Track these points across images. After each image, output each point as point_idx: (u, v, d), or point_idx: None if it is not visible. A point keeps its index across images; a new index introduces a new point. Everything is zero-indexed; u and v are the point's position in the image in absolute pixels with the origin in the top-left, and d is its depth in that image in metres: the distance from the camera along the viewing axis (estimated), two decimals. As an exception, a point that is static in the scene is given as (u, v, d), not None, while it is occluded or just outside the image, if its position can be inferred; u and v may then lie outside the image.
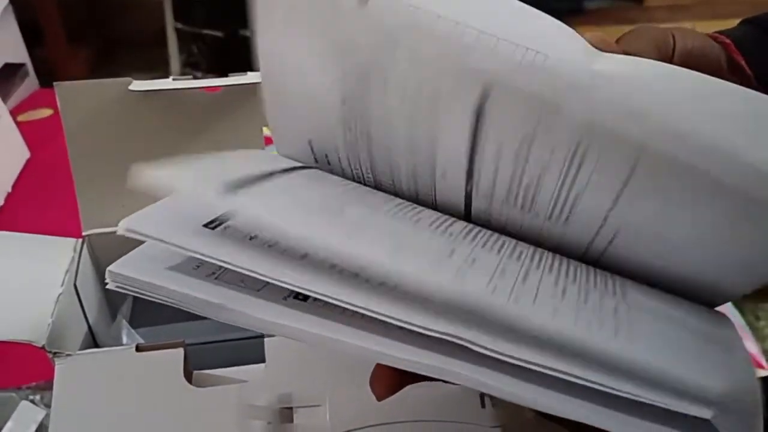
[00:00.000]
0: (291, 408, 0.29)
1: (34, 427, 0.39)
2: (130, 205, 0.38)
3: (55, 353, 0.29)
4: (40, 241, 0.36)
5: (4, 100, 0.66)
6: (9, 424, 0.39)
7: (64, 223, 0.39)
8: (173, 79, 0.36)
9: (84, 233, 0.38)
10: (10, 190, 0.62)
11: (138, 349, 0.29)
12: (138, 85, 0.35)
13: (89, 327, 0.37)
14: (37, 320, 0.30)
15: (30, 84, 0.81)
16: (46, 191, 0.62)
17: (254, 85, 0.36)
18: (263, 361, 0.30)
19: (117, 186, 0.38)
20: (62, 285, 0.33)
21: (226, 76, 0.37)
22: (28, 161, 0.65)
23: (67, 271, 0.34)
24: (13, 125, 0.65)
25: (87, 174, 0.37)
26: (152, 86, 0.35)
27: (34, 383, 0.42)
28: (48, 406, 0.40)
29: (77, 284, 0.35)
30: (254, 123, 0.37)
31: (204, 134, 0.37)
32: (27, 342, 0.29)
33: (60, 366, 0.29)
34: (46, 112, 0.75)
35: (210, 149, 0.38)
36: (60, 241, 0.37)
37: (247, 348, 0.35)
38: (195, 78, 0.37)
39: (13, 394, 0.42)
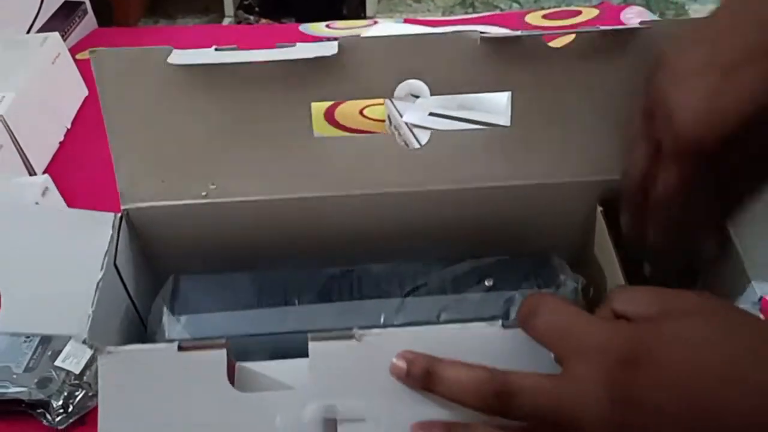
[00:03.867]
0: (335, 420, 0.27)
1: (90, 351, 0.38)
2: (169, 179, 0.37)
3: (96, 348, 0.28)
4: (77, 216, 0.35)
5: (64, 38, 0.67)
6: (67, 348, 0.40)
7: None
8: (215, 50, 0.33)
9: (123, 207, 0.36)
10: (69, 126, 0.64)
11: (180, 348, 0.28)
12: (177, 57, 0.32)
13: (134, 305, 0.36)
14: (78, 310, 0.29)
15: (88, 22, 0.81)
16: (103, 128, 0.62)
17: (302, 61, 0.32)
18: (306, 354, 0.29)
19: (156, 160, 0.36)
20: (102, 269, 0.32)
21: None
22: (86, 99, 0.66)
23: (106, 253, 0.33)
24: (72, 63, 0.66)
25: (125, 147, 0.35)
26: (192, 59, 0.32)
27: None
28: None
29: (117, 264, 0.34)
30: (302, 99, 0.35)
31: (248, 108, 0.35)
32: (68, 336, 0.28)
33: (102, 362, 0.28)
34: (104, 51, 0.76)
35: (253, 125, 0.35)
36: (98, 216, 0.36)
37: (289, 342, 0.34)
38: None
39: None
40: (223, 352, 0.28)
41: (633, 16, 0.75)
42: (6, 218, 0.33)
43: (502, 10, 2.00)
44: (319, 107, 0.35)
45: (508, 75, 0.35)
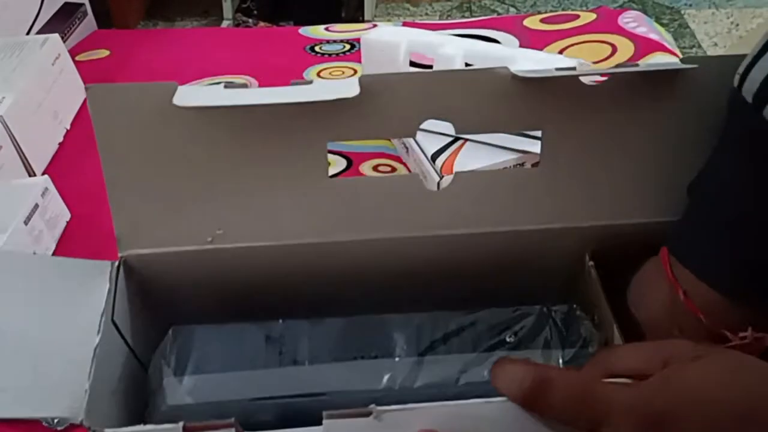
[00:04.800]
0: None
1: None
2: (172, 223, 0.34)
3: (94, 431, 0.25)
4: (72, 267, 0.32)
5: (64, 40, 0.67)
6: None
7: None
8: (225, 86, 0.30)
9: (120, 254, 0.34)
10: (68, 127, 0.64)
11: (186, 429, 0.25)
12: (183, 96, 0.29)
13: (135, 356, 0.33)
14: (74, 387, 0.26)
15: (88, 24, 0.80)
16: None
17: (319, 103, 0.30)
18: (319, 423, 0.27)
19: (158, 203, 0.33)
20: (99, 331, 0.29)
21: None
22: (86, 100, 0.64)
23: (103, 312, 0.30)
24: (72, 64, 0.66)
25: (123, 189, 0.32)
26: (201, 100, 0.29)
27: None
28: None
29: (115, 319, 0.31)
30: (318, 139, 0.32)
31: (260, 150, 0.32)
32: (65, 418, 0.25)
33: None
34: (103, 53, 0.75)
35: (265, 166, 0.33)
36: (94, 265, 0.33)
37: (299, 404, 0.31)
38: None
39: None
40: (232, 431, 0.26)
41: (631, 21, 0.74)
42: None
43: (499, 14, 1.98)
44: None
45: (538, 113, 0.33)
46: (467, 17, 1.99)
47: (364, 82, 0.30)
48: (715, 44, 1.77)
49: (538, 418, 0.26)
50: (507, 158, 0.48)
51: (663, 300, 0.31)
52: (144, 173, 0.32)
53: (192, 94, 0.30)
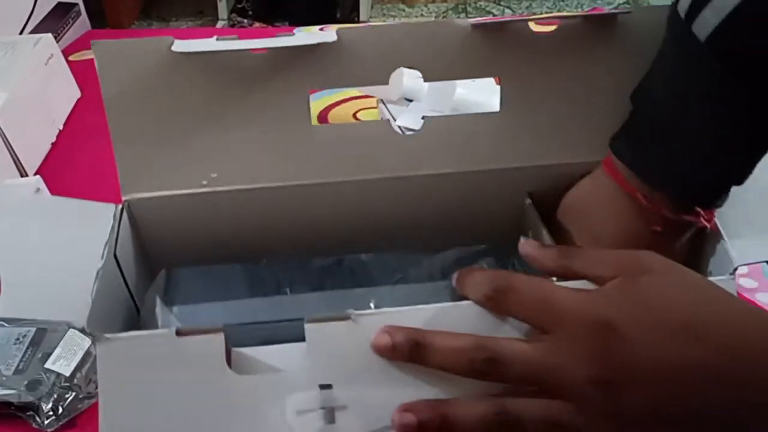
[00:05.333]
0: (333, 408, 0.28)
1: (80, 354, 0.40)
2: (170, 169, 0.37)
3: (94, 336, 0.28)
4: (78, 206, 0.35)
5: (57, 40, 0.67)
6: (57, 351, 0.40)
7: (113, 162, 0.38)
8: (217, 39, 0.33)
9: (124, 198, 0.37)
10: (61, 127, 0.64)
11: (178, 333, 0.28)
12: (180, 46, 0.33)
13: (131, 294, 0.36)
14: (78, 298, 0.29)
15: (81, 24, 0.81)
16: (95, 129, 0.61)
17: (301, 48, 0.33)
18: (299, 341, 0.29)
19: (158, 150, 0.37)
20: (102, 257, 0.32)
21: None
22: (79, 100, 0.66)
23: (106, 244, 0.33)
24: (65, 64, 0.66)
25: (126, 137, 0.36)
26: (195, 47, 0.33)
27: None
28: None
29: (117, 254, 0.34)
30: (300, 87, 0.35)
31: (248, 97, 0.35)
32: (67, 323, 0.28)
33: (101, 349, 0.28)
34: (97, 53, 0.76)
35: (255, 112, 0.36)
36: (99, 206, 0.36)
37: (282, 330, 0.34)
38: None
39: (63, 322, 0.42)
40: (221, 336, 0.28)
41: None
42: (7, 206, 0.33)
43: (494, 15, 2.01)
44: (313, 110, 0.36)
45: (497, 61, 0.36)
46: (462, 18, 2.02)
47: (341, 32, 0.34)
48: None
49: (503, 318, 0.28)
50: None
51: (618, 210, 0.34)
52: (143, 122, 0.36)
53: (187, 44, 0.33)
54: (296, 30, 0.33)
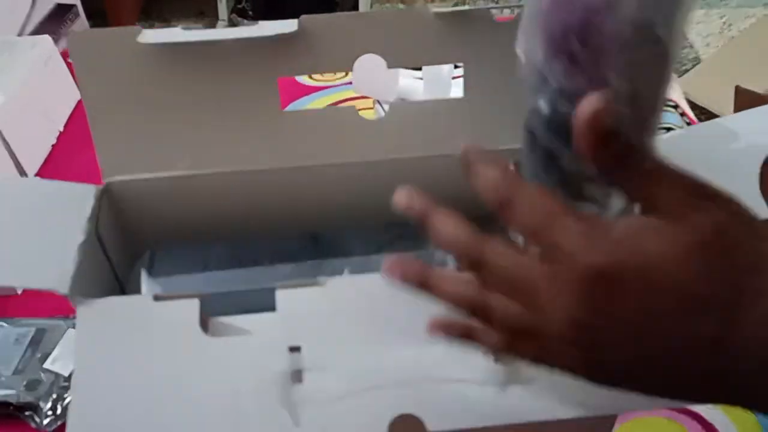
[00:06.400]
0: (301, 370, 0.29)
1: None
2: (146, 153, 0.39)
3: (75, 299, 0.30)
4: (61, 188, 0.37)
5: (56, 41, 0.68)
6: (56, 351, 0.42)
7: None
8: (183, 29, 0.35)
9: (104, 180, 0.39)
10: (61, 129, 0.65)
11: (156, 298, 0.30)
12: (146, 36, 0.35)
13: (115, 274, 0.38)
14: (61, 268, 0.31)
15: (80, 25, 0.82)
16: None
17: (266, 38, 0.35)
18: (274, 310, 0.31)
19: (133, 135, 0.39)
20: (85, 234, 0.34)
21: None
22: (80, 102, 0.67)
23: (89, 219, 0.35)
24: (64, 66, 0.66)
25: (104, 122, 0.38)
26: (161, 38, 0.35)
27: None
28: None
29: (100, 232, 0.36)
30: (267, 75, 0.37)
31: (218, 86, 0.37)
32: (50, 290, 0.30)
33: (81, 310, 0.30)
34: (96, 53, 0.76)
35: (225, 100, 0.38)
36: (81, 187, 0.38)
37: (259, 298, 0.36)
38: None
39: (61, 323, 0.44)
40: (196, 301, 0.30)
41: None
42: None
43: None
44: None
45: (460, 48, 0.38)
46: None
47: (303, 20, 0.36)
48: (708, 44, 1.74)
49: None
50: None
51: None
52: (119, 108, 0.38)
53: (154, 35, 0.35)
54: (260, 21, 0.35)
